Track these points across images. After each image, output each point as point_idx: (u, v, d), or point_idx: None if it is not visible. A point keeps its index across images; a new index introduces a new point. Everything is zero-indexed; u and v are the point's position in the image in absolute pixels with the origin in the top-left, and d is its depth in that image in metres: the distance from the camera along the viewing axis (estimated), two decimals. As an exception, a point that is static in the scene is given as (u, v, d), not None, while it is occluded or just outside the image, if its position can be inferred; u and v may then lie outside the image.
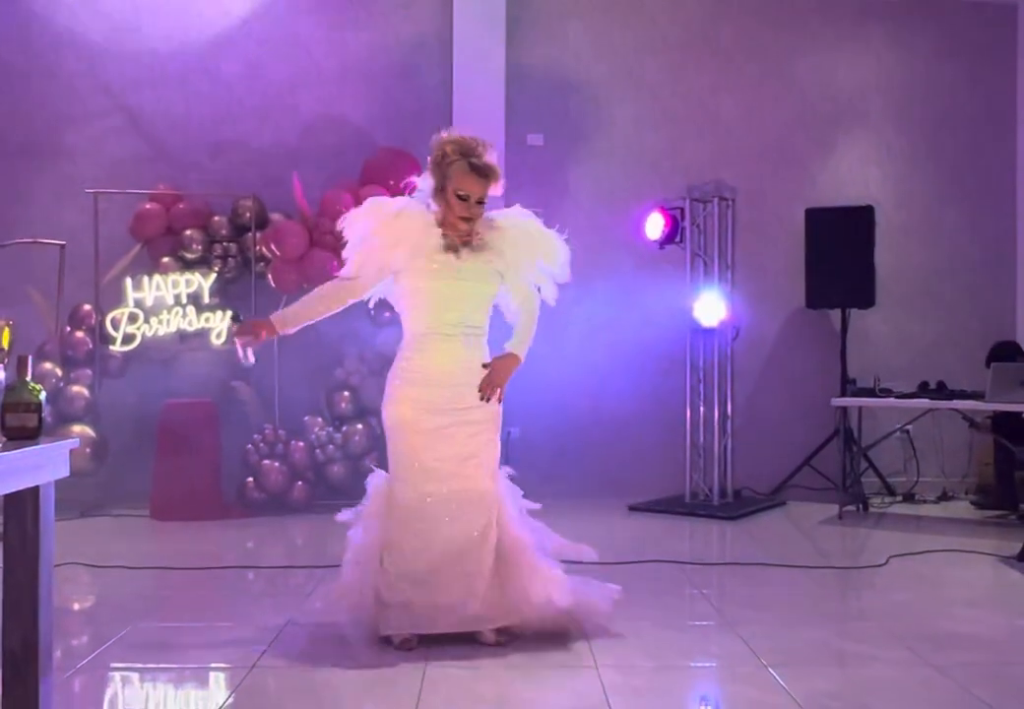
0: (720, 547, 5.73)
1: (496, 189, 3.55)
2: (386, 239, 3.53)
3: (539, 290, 3.71)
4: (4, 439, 2.67)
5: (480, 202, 3.53)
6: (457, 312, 3.54)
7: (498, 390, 3.60)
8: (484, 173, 3.51)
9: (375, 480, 3.71)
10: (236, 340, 3.71)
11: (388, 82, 7.08)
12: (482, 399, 3.56)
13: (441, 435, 3.54)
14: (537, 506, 3.79)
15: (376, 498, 3.66)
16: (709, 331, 6.68)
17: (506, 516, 3.65)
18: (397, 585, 3.56)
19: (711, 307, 6.59)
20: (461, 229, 3.53)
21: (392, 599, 3.56)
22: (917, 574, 4.79)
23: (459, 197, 3.51)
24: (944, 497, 6.82)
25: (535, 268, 3.64)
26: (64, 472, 2.80)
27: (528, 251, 3.61)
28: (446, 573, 3.54)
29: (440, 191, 3.56)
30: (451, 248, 3.53)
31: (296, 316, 3.71)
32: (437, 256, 3.52)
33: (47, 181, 6.86)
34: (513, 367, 3.63)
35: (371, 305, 3.83)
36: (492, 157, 3.55)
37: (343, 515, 3.75)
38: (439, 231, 3.55)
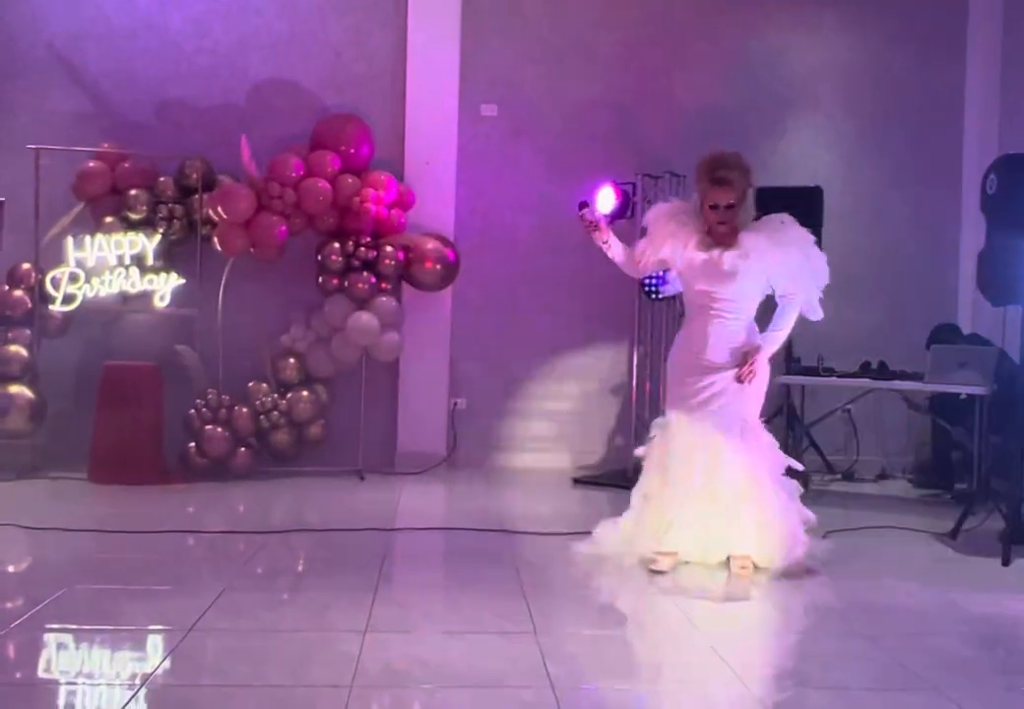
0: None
1: (734, 195, 4.19)
2: (660, 237, 4.31)
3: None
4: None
5: (729, 207, 4.19)
6: (708, 298, 4.24)
7: (751, 375, 4.23)
8: (722, 183, 4.19)
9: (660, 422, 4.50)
10: (587, 223, 4.33)
11: (340, 46, 6.98)
12: (739, 382, 4.22)
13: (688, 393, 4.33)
14: None
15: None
16: (656, 305, 6.70)
17: None
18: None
19: (659, 282, 6.60)
20: (720, 231, 4.23)
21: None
22: (854, 549, 4.86)
23: (710, 207, 4.22)
24: (882, 476, 6.93)
25: (794, 274, 4.23)
26: None
27: (782, 256, 4.21)
28: None
29: (700, 205, 4.31)
30: (706, 248, 4.23)
31: (616, 247, 4.40)
32: (696, 255, 4.23)
33: (-13, 135, 6.68)
34: (760, 356, 4.25)
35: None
36: (737, 168, 4.23)
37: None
38: (698, 233, 4.27)
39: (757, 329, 4.35)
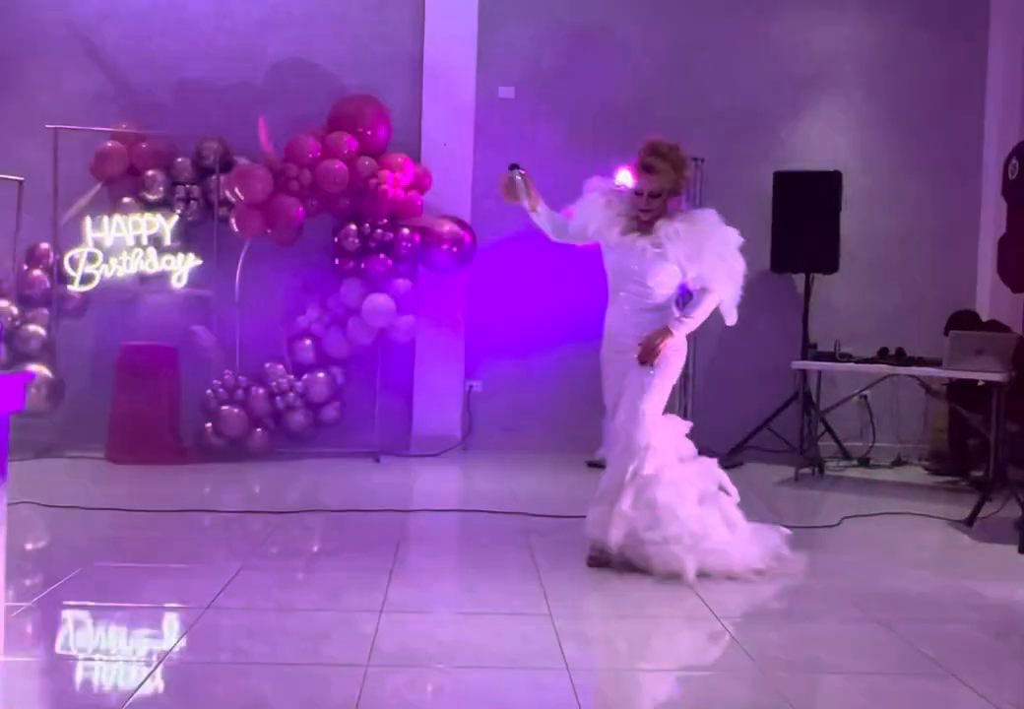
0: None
1: (658, 184, 4.08)
2: (587, 214, 4.27)
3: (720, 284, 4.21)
4: (-42, 370, 2.62)
5: (652, 196, 4.11)
6: (624, 280, 4.21)
7: (652, 355, 4.12)
8: (649, 170, 4.10)
9: None
10: (502, 185, 4.29)
11: (358, 27, 6.95)
12: (640, 364, 4.13)
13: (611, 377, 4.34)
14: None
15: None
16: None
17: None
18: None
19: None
20: (642, 218, 4.17)
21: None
22: (868, 535, 4.87)
23: (635, 192, 4.16)
24: (898, 462, 6.91)
25: (708, 266, 4.15)
26: (19, 406, 2.76)
27: (696, 247, 4.13)
28: None
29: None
30: (623, 232, 4.19)
31: (544, 214, 4.35)
32: (617, 239, 4.19)
33: (6, 115, 6.69)
34: (662, 335, 4.13)
35: None
36: (666, 158, 4.11)
37: None
38: (622, 218, 4.22)
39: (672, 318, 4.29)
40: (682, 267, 4.15)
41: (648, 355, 4.10)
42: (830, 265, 6.77)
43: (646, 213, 4.16)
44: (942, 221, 7.32)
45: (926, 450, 6.99)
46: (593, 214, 4.27)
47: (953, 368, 5.81)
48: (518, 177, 4.22)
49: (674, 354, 4.19)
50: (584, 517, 4.85)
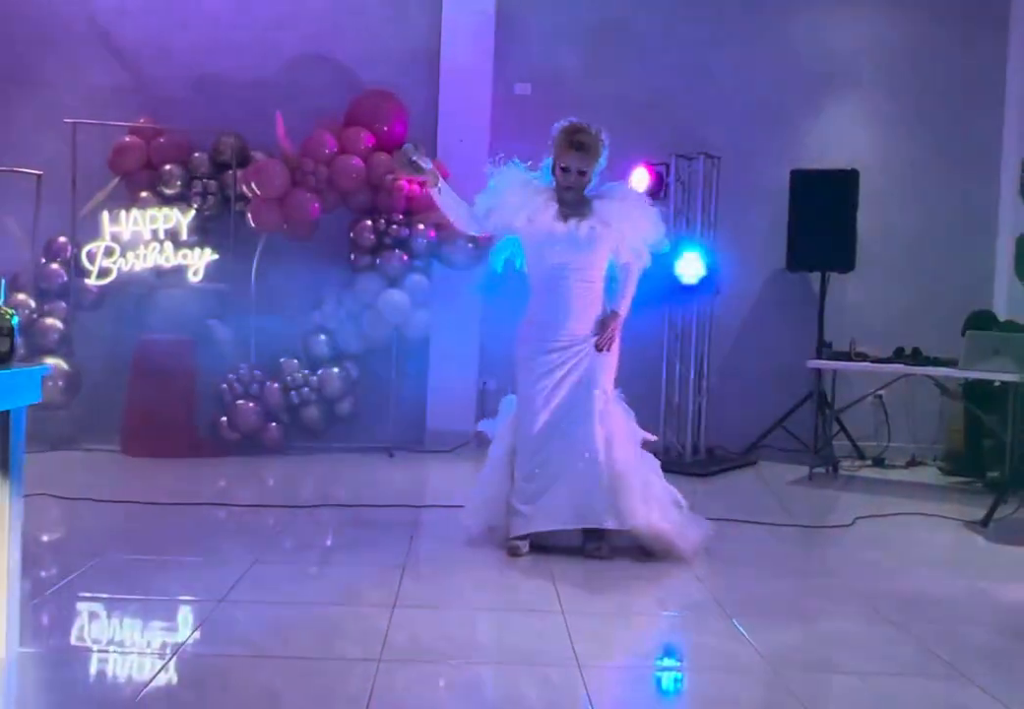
0: (691, 503, 5.69)
1: (588, 161, 4.15)
2: (512, 202, 4.20)
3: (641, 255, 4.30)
4: (-24, 362, 2.64)
5: (580, 173, 4.16)
6: (564, 269, 4.19)
7: (610, 341, 4.24)
8: (579, 148, 4.14)
9: (507, 401, 4.45)
10: (403, 168, 4.35)
11: (376, 23, 6.95)
12: (598, 350, 4.21)
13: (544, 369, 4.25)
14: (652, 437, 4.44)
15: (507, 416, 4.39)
16: (689, 289, 6.67)
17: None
18: (521, 487, 4.22)
19: (692, 265, 6.58)
20: (565, 196, 4.20)
21: (517, 504, 4.19)
22: (882, 535, 4.85)
23: (562, 169, 4.18)
24: (913, 462, 6.87)
25: (638, 239, 4.23)
26: (36, 398, 2.78)
27: (631, 222, 4.22)
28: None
29: (552, 167, 4.24)
30: (560, 217, 4.18)
31: (447, 196, 4.30)
32: (554, 225, 4.17)
33: (25, 109, 6.72)
34: (616, 322, 4.26)
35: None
36: (593, 137, 4.18)
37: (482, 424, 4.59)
38: (553, 203, 4.21)
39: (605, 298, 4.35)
40: (622, 244, 4.22)
41: (607, 342, 4.21)
42: (846, 264, 6.74)
43: (570, 192, 4.19)
44: (959, 220, 7.28)
45: (941, 450, 6.95)
46: (522, 204, 4.21)
47: (969, 368, 5.78)
48: (411, 153, 4.15)
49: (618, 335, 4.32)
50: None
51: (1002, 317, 6.76)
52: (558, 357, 4.21)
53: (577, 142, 4.15)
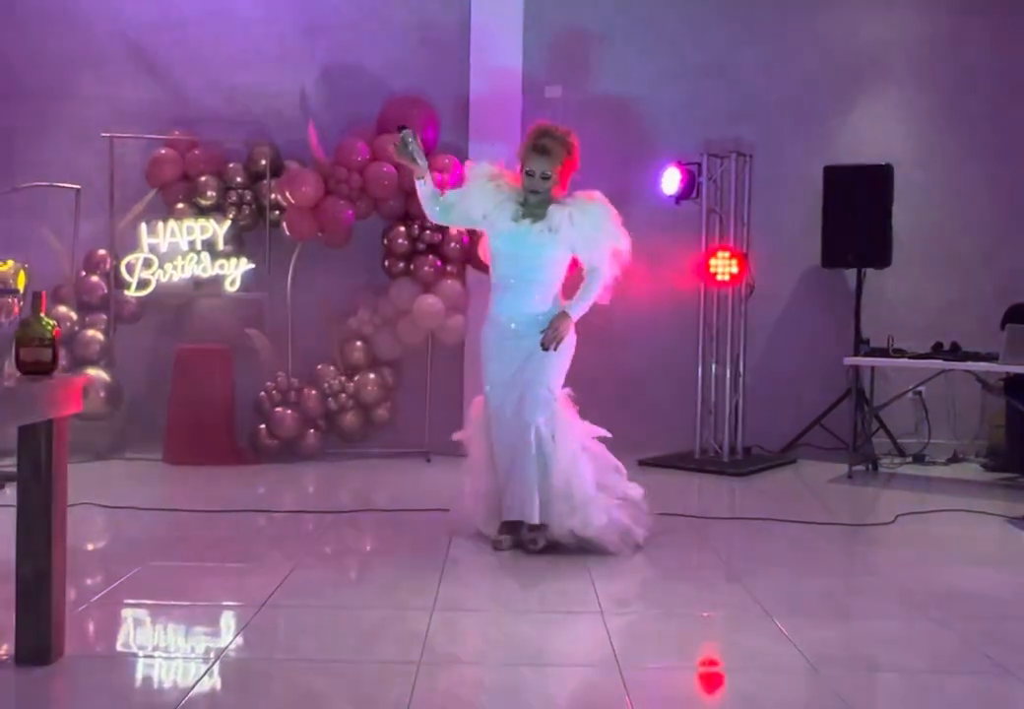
0: (729, 502, 5.74)
1: (551, 165, 4.16)
2: (475, 196, 4.26)
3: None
4: (19, 373, 2.69)
5: (544, 177, 4.17)
6: (514, 268, 4.25)
7: (556, 340, 4.23)
8: (542, 152, 4.15)
9: (475, 402, 4.49)
10: (396, 152, 4.23)
11: (405, 29, 6.99)
12: (543, 349, 4.21)
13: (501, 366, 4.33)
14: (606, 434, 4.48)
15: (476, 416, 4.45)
16: (723, 288, 6.65)
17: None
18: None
19: (726, 263, 6.56)
20: (531, 200, 4.21)
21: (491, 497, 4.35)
22: (924, 533, 4.80)
23: (526, 173, 4.20)
24: (954, 459, 6.79)
25: (596, 248, 4.25)
26: (77, 407, 2.82)
27: (588, 232, 4.23)
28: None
29: (519, 170, 4.26)
30: (517, 218, 4.22)
31: (428, 188, 4.30)
32: (507, 224, 4.22)
33: (63, 125, 6.83)
34: (563, 321, 4.25)
35: None
36: (559, 141, 4.19)
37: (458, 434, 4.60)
38: (511, 203, 4.24)
39: (561, 301, 4.35)
40: (575, 251, 4.26)
41: (552, 341, 4.20)
42: (883, 259, 6.68)
43: (535, 195, 4.21)
44: (997, 212, 7.19)
45: (983, 446, 6.87)
46: (482, 198, 4.26)
47: (1010, 362, 5.71)
48: (410, 138, 4.15)
49: (571, 338, 4.32)
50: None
51: (1043, 310, 6.66)
52: (514, 355, 4.27)
53: (540, 146, 4.17)
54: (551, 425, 4.22)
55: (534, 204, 4.24)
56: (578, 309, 4.31)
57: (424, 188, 4.29)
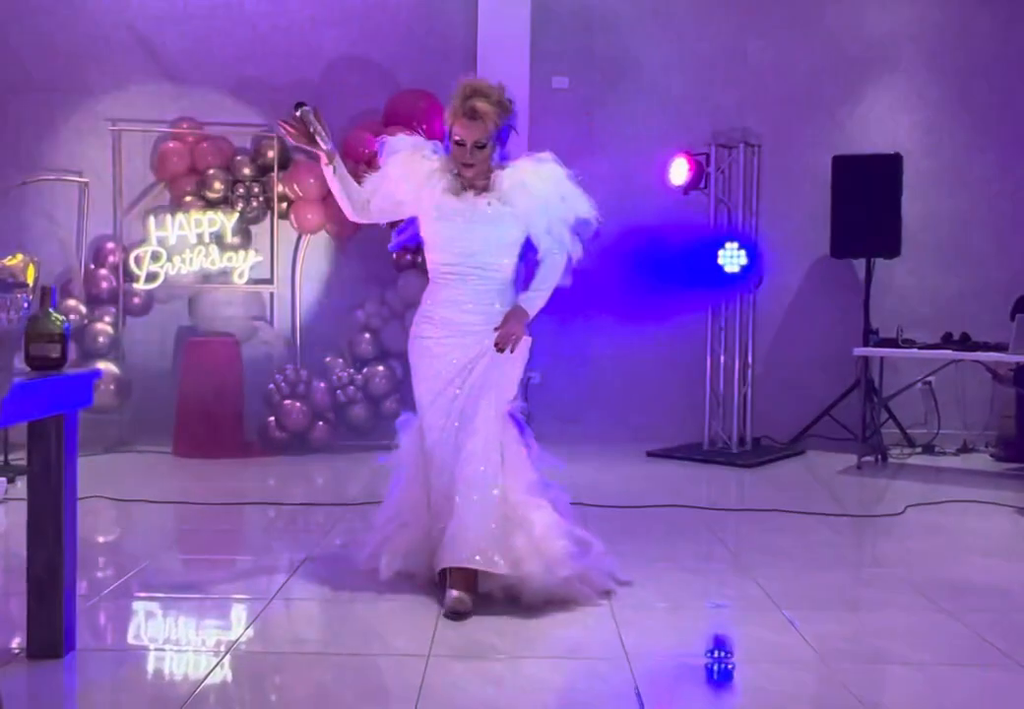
0: (737, 494, 5.74)
1: (486, 131, 3.36)
2: (398, 175, 3.49)
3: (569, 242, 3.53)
4: (28, 369, 2.69)
5: (478, 146, 3.38)
6: (457, 254, 3.47)
7: (511, 340, 3.46)
8: (472, 116, 3.36)
9: (405, 421, 3.70)
10: (286, 127, 3.46)
11: (412, 21, 6.98)
12: (498, 350, 3.45)
13: (442, 377, 3.50)
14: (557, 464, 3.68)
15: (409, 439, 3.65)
16: (731, 278, 6.64)
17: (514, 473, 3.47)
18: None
19: (734, 254, 6.54)
20: (465, 174, 3.45)
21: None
22: (934, 523, 4.79)
23: (456, 143, 3.41)
24: (964, 449, 6.79)
25: (555, 219, 3.47)
26: (88, 402, 2.83)
27: (545, 200, 3.45)
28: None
29: (448, 138, 3.46)
30: (456, 191, 3.46)
31: (342, 176, 3.53)
32: (444, 199, 3.45)
33: (70, 117, 6.83)
34: (518, 318, 3.47)
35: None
36: (491, 101, 3.38)
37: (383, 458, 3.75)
38: (447, 174, 3.47)
39: (515, 291, 3.58)
40: (530, 228, 3.48)
41: (508, 341, 3.44)
42: (892, 250, 6.66)
43: (469, 168, 3.41)
44: (1006, 203, 7.17)
45: (993, 437, 6.85)
46: (409, 173, 3.47)
47: (1020, 353, 5.68)
48: (311, 116, 3.40)
49: (526, 339, 3.55)
50: (643, 506, 4.89)
51: (1053, 300, 6.64)
52: (456, 360, 3.48)
53: (470, 109, 3.34)
54: (501, 451, 3.43)
55: (470, 177, 3.44)
56: (536, 301, 3.53)
57: (334, 177, 3.49)
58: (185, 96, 6.90)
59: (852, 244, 6.71)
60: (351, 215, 3.62)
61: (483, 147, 3.39)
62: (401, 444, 3.66)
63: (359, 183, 3.57)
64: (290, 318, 6.56)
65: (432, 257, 3.56)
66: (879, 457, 6.36)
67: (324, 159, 3.46)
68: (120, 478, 5.47)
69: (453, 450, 3.43)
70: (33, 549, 2.82)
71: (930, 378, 6.76)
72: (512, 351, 3.46)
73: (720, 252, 6.58)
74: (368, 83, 6.90)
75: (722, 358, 6.75)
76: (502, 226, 3.45)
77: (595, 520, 4.71)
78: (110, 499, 4.90)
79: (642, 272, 7.03)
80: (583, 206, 3.48)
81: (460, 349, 3.48)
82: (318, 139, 3.41)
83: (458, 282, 3.49)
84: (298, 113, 3.40)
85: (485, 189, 3.45)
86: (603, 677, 2.84)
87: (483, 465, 3.39)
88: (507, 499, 3.41)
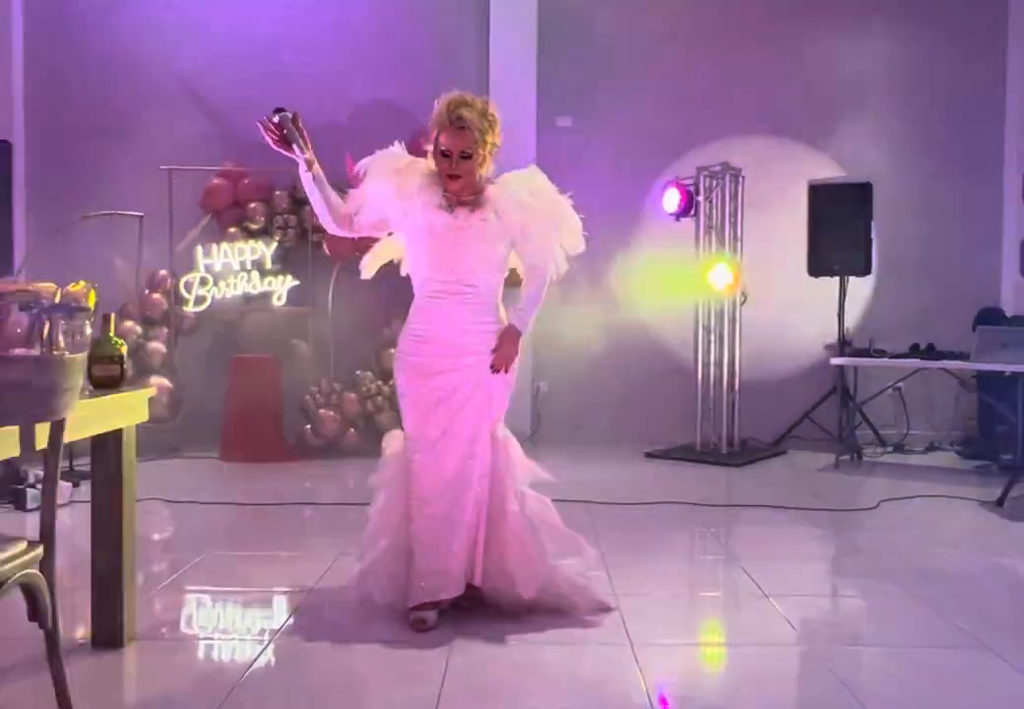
0: (727, 491, 5.71)
1: (472, 140, 3.04)
2: (385, 191, 3.12)
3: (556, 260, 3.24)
4: (91, 387, 2.70)
5: (464, 157, 3.05)
6: (450, 272, 3.11)
7: (509, 362, 3.17)
8: (458, 125, 3.04)
9: (392, 441, 3.31)
10: (268, 132, 3.12)
11: (431, 67, 7.00)
12: (494, 372, 3.15)
13: (435, 398, 3.14)
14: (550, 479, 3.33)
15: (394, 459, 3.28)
16: (719, 296, 6.62)
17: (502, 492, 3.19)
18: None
19: (721, 274, 6.53)
20: (451, 187, 3.09)
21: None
22: (905, 516, 4.76)
23: (442, 154, 3.07)
24: (931, 448, 6.74)
25: (545, 235, 3.16)
26: (143, 417, 2.84)
27: (538, 215, 3.14)
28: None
29: (432, 151, 3.11)
30: (444, 206, 3.09)
31: (322, 186, 3.16)
32: (436, 215, 3.09)
33: (127, 159, 6.87)
34: (514, 338, 3.16)
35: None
36: (476, 110, 3.07)
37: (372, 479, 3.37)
38: (437, 189, 3.11)
39: (502, 308, 3.24)
40: (516, 244, 3.17)
41: (504, 362, 3.14)
42: (863, 268, 6.63)
43: (455, 180, 3.06)
44: (967, 225, 7.14)
45: (958, 436, 6.82)
46: (401, 185, 3.10)
47: (981, 361, 5.65)
48: (289, 123, 3.08)
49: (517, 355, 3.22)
50: (643, 503, 4.87)
51: (1009, 313, 6.62)
52: (446, 380, 3.12)
53: (457, 117, 3.03)
54: (495, 466, 3.19)
55: (456, 190, 3.09)
56: (527, 319, 3.19)
57: (313, 185, 3.11)
58: (229, 138, 6.92)
59: (827, 263, 6.68)
60: (329, 226, 3.21)
61: (469, 157, 3.04)
62: (386, 463, 3.30)
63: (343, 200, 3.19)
64: (324, 336, 6.56)
65: (423, 274, 3.16)
66: (855, 456, 6.33)
67: (303, 166, 3.08)
68: (173, 482, 5.48)
69: (441, 469, 3.11)
70: (96, 549, 2.83)
71: (900, 384, 6.72)
72: (507, 371, 3.16)
73: (708, 272, 6.56)
74: (391, 124, 6.83)
75: (712, 368, 6.73)
76: (497, 243, 3.12)
77: (599, 515, 4.72)
78: (164, 501, 4.91)
79: (639, 291, 7.03)
80: (572, 222, 3.20)
81: (453, 369, 3.11)
82: (295, 146, 3.05)
83: (452, 300, 3.11)
84: (276, 118, 3.07)
85: (477, 205, 3.10)
86: (610, 660, 2.83)
87: (470, 485, 3.12)
88: (490, 517, 3.15)
